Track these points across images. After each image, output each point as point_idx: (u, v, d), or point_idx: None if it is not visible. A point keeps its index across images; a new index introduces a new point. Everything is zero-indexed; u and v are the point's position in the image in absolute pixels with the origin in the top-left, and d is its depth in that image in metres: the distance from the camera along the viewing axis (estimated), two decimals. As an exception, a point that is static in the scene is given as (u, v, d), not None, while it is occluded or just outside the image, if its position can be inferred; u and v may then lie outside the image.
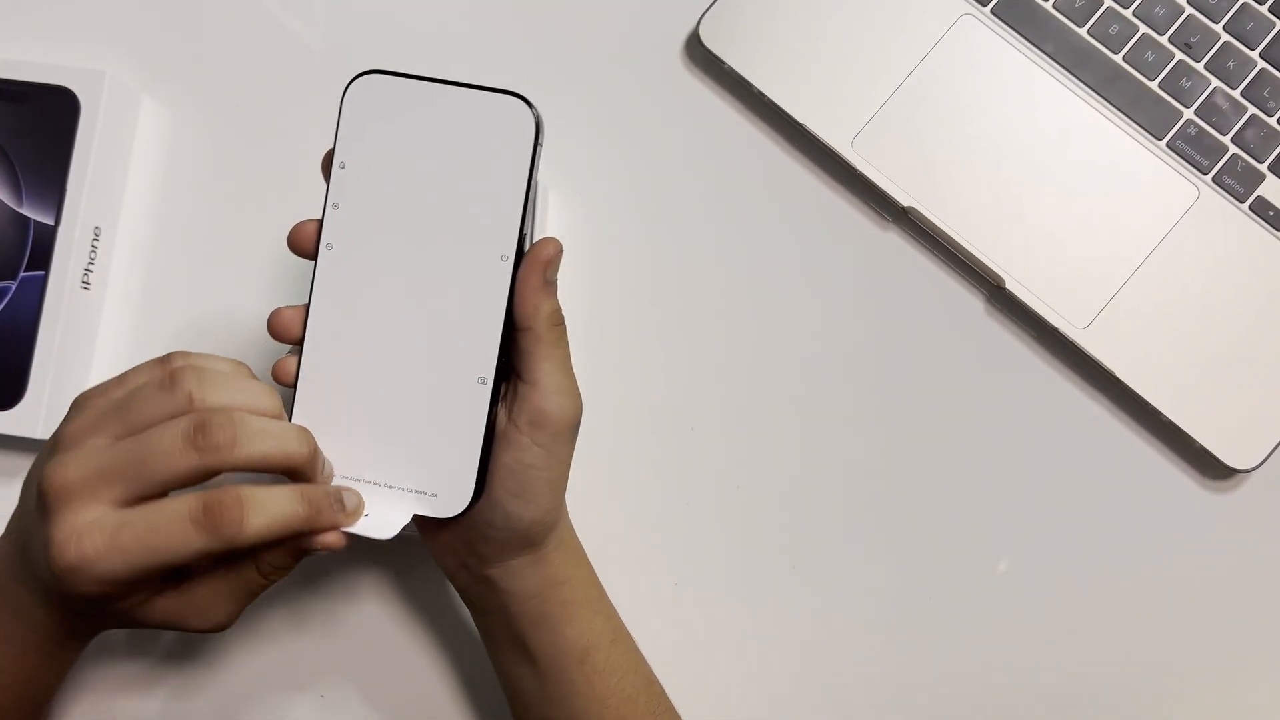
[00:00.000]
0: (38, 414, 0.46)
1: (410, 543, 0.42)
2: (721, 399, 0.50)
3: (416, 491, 0.37)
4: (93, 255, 0.49)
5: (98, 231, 0.49)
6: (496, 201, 0.36)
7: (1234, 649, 0.49)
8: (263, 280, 0.50)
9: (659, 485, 0.49)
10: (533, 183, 0.36)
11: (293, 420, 0.37)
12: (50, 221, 0.48)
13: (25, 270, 0.47)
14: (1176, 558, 0.49)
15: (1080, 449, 0.49)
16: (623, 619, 0.43)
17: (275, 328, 0.37)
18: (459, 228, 0.36)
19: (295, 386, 0.37)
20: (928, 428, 0.50)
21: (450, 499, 0.37)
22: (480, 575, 0.40)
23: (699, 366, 0.50)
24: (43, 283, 0.47)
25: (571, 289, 0.50)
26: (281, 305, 0.37)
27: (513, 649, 0.41)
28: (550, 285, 0.37)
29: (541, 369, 0.37)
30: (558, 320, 0.37)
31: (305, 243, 0.37)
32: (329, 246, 0.37)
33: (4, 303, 0.47)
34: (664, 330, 0.50)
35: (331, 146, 0.37)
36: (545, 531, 0.39)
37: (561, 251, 0.37)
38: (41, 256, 0.47)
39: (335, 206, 0.37)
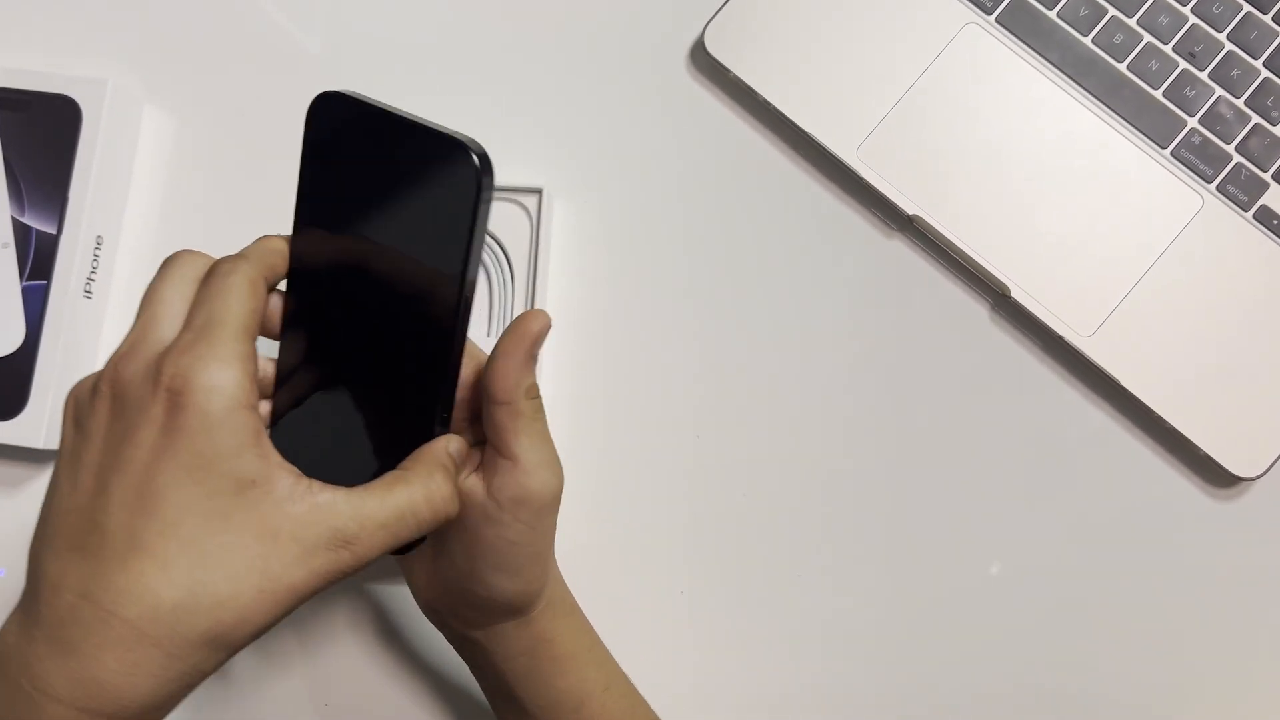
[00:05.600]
0: (40, 424, 0.46)
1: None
2: (726, 406, 0.50)
3: None
4: (95, 264, 0.48)
5: (100, 240, 0.49)
6: (442, 250, 0.33)
7: (1237, 657, 0.49)
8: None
9: (664, 492, 0.49)
10: (476, 234, 0.33)
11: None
12: (52, 230, 0.47)
13: (27, 280, 0.47)
14: (1180, 565, 0.49)
15: (1084, 456, 0.49)
16: (634, 627, 0.42)
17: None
18: (405, 274, 0.34)
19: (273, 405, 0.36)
20: (932, 435, 0.50)
21: None
22: (465, 636, 0.39)
23: (704, 374, 0.50)
24: (45, 292, 0.47)
25: (577, 297, 0.50)
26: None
27: (505, 701, 0.40)
28: (533, 361, 0.35)
29: (521, 444, 0.35)
30: (535, 394, 0.35)
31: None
32: (291, 275, 0.35)
33: (6, 312, 0.47)
34: (669, 338, 0.50)
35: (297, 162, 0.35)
36: (531, 600, 0.38)
37: (549, 327, 0.35)
38: (43, 266, 0.47)
39: (298, 232, 0.35)
